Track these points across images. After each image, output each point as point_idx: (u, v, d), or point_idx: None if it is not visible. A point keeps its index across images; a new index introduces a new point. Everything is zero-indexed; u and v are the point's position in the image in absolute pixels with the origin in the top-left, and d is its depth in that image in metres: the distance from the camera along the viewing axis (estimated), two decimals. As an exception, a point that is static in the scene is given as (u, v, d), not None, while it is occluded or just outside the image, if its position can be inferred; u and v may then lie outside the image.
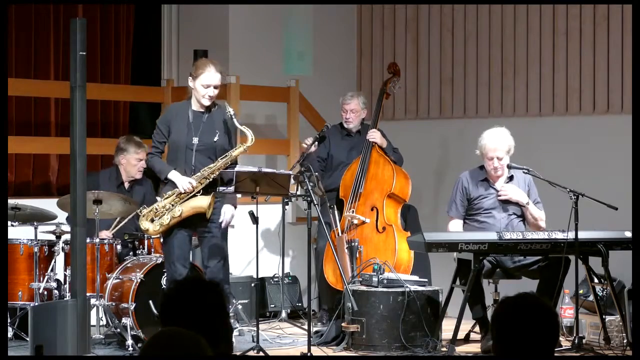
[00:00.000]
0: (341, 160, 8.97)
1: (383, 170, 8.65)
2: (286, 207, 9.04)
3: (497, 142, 7.81)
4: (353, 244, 8.33)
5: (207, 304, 3.36)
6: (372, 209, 8.57)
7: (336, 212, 8.60)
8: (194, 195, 7.10)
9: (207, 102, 7.16)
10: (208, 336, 3.07)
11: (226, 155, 7.23)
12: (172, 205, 7.03)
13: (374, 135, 8.73)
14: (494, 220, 7.85)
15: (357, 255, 8.29)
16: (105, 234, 8.13)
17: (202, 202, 7.13)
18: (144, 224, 6.98)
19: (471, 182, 7.95)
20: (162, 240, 7.19)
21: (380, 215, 8.52)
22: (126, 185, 8.43)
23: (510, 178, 7.97)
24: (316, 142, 8.92)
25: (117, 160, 8.49)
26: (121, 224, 8.18)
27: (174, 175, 7.03)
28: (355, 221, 8.51)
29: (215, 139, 7.20)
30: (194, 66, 7.23)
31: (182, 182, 7.04)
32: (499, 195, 7.86)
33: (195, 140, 7.12)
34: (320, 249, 8.81)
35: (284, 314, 9.18)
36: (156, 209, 6.98)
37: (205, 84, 7.11)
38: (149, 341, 2.98)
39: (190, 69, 7.42)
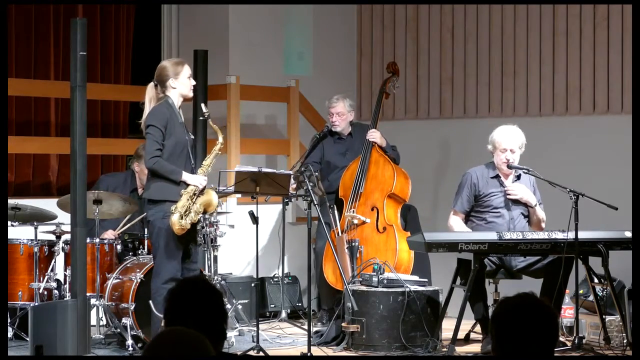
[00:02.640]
0: (336, 164, 8.97)
1: (383, 171, 8.65)
2: (286, 207, 9.04)
3: (511, 135, 7.86)
4: (353, 244, 8.33)
5: (212, 304, 3.37)
6: (372, 209, 8.57)
7: (336, 212, 8.59)
8: (201, 192, 7.10)
9: (192, 94, 7.19)
10: (211, 336, 3.08)
11: (213, 151, 7.22)
12: (192, 202, 7.02)
13: (374, 135, 8.73)
14: (503, 220, 7.84)
15: (358, 255, 8.28)
16: (112, 234, 8.14)
17: (214, 197, 7.13)
18: (181, 222, 6.93)
19: (481, 179, 7.94)
20: (162, 239, 7.08)
21: (381, 216, 8.52)
22: (139, 191, 8.44)
23: (518, 177, 7.97)
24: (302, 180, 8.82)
25: (133, 165, 8.51)
26: (129, 225, 8.18)
27: (187, 175, 7.02)
28: (356, 221, 8.51)
29: (191, 135, 7.26)
30: (165, 71, 7.11)
31: (198, 179, 7.04)
32: (508, 194, 7.86)
33: (187, 138, 7.14)
34: (319, 249, 8.81)
35: (284, 314, 9.17)
36: (188, 206, 6.97)
37: (189, 74, 7.14)
38: (153, 340, 2.98)
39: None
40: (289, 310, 9.28)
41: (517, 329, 3.25)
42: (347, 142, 9.03)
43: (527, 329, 3.24)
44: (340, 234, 8.46)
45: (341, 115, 8.99)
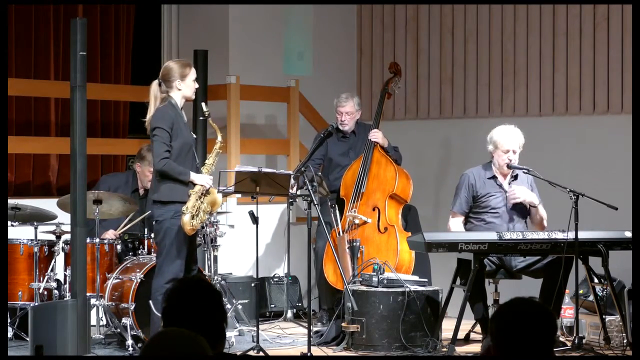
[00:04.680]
0: (338, 162, 8.97)
1: (385, 171, 8.65)
2: (290, 207, 9.03)
3: (513, 135, 7.87)
4: (355, 243, 8.33)
5: (211, 304, 3.37)
6: (373, 209, 8.57)
7: (337, 212, 8.59)
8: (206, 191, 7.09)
9: (194, 96, 7.21)
10: (209, 336, 3.08)
11: (214, 150, 7.21)
12: (200, 202, 7.01)
13: (376, 136, 8.74)
14: (501, 221, 7.85)
15: (359, 255, 8.28)
16: (112, 234, 8.13)
17: (218, 196, 7.13)
18: (192, 222, 6.92)
19: (478, 180, 7.94)
20: (169, 238, 7.04)
21: (382, 216, 8.52)
22: (140, 192, 8.44)
23: (515, 177, 7.97)
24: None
25: (134, 166, 8.51)
26: (130, 225, 8.17)
27: (194, 175, 7.02)
28: (357, 221, 8.51)
29: (193, 134, 7.27)
30: (172, 72, 7.10)
31: (205, 179, 7.04)
32: (513, 198, 7.85)
33: (192, 137, 7.16)
34: (319, 249, 8.82)
35: (289, 314, 9.16)
36: (198, 206, 6.97)
37: (195, 77, 7.16)
38: (149, 341, 2.98)
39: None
40: (294, 310, 9.27)
41: (516, 335, 3.25)
42: (351, 140, 9.03)
43: (525, 333, 3.25)
44: (341, 234, 8.46)
45: (350, 114, 8.99)
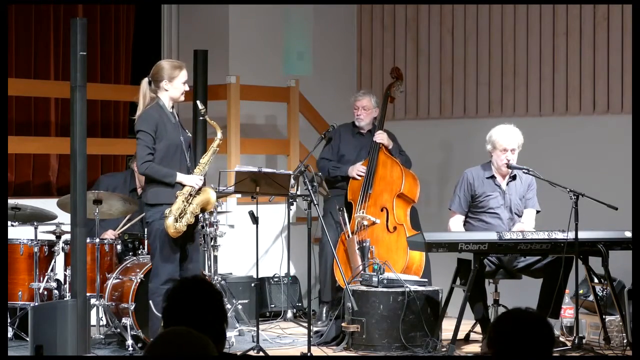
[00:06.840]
0: (350, 158, 8.97)
1: (391, 172, 8.67)
2: (291, 207, 9.04)
3: (511, 135, 7.87)
4: (364, 244, 8.34)
5: (211, 304, 3.37)
6: (381, 210, 8.59)
7: (345, 214, 8.61)
8: (198, 192, 7.06)
9: (183, 98, 7.16)
10: (209, 336, 3.07)
11: (211, 148, 7.17)
12: (187, 203, 6.99)
13: (381, 137, 8.75)
14: (500, 222, 7.85)
15: (369, 256, 8.29)
16: (112, 234, 8.13)
17: (212, 196, 7.10)
18: (176, 225, 6.91)
19: (477, 179, 7.95)
20: (159, 240, 7.04)
21: (391, 216, 8.54)
22: (139, 191, 8.44)
23: (513, 177, 7.97)
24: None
25: (132, 165, 8.52)
26: (129, 224, 8.18)
27: (181, 176, 7.00)
28: (366, 222, 8.52)
29: (188, 133, 7.22)
30: (162, 72, 7.09)
31: (193, 179, 7.01)
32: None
33: (182, 139, 7.10)
34: (324, 244, 8.84)
35: (290, 314, 9.16)
36: (184, 208, 6.95)
37: (184, 80, 7.11)
38: (155, 340, 2.97)
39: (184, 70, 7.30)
40: (295, 310, 9.28)
41: (515, 345, 3.25)
42: (366, 139, 9.02)
43: (524, 344, 3.24)
44: (350, 236, 8.48)
45: (367, 109, 8.99)
